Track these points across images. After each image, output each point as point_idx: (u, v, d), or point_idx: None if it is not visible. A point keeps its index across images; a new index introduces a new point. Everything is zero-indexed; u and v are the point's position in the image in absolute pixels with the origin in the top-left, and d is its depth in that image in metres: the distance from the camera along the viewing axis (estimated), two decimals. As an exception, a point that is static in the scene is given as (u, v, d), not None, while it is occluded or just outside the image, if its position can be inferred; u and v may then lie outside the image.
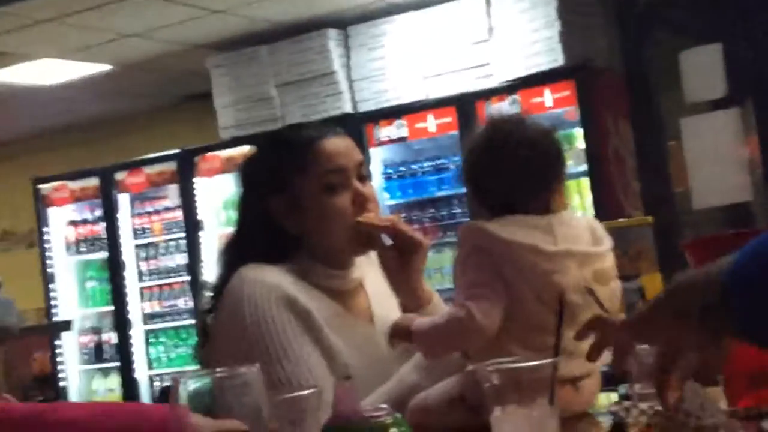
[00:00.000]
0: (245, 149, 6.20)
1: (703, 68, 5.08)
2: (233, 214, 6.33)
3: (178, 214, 6.71)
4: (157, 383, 6.92)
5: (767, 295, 1.14)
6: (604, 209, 5.23)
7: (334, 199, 2.04)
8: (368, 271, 2.20)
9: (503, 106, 5.47)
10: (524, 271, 1.81)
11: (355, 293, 2.15)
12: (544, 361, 1.48)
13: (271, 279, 2.01)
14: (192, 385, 1.11)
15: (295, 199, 2.06)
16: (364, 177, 2.10)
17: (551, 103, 5.40)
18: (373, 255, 2.17)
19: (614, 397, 1.96)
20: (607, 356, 1.91)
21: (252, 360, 1.87)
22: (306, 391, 1.44)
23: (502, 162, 1.88)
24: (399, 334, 1.95)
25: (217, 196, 6.53)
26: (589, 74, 5.39)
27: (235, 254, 2.11)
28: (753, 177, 5.28)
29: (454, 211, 5.92)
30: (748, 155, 5.29)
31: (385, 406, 1.02)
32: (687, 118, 5.22)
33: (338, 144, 2.07)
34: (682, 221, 5.49)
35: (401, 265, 2.04)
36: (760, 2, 5.15)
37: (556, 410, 1.47)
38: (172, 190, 6.80)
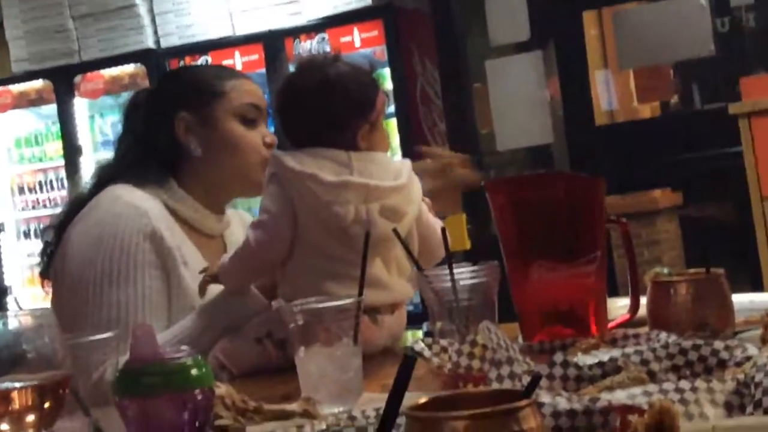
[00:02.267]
0: (39, 84, 5.95)
1: (507, 11, 5.19)
2: (27, 152, 6.18)
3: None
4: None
5: None
6: (411, 150, 5.30)
7: (248, 132, 2.10)
8: (233, 226, 2.23)
9: (312, 45, 5.44)
10: (306, 198, 1.85)
11: (216, 242, 2.18)
12: (348, 301, 1.50)
13: (142, 204, 2.02)
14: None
15: (207, 119, 2.09)
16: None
17: (360, 43, 5.40)
18: (235, 214, 2.23)
19: (418, 334, 2.01)
20: (409, 289, 1.96)
21: (97, 272, 1.91)
22: (105, 335, 1.40)
23: (303, 104, 1.93)
24: (210, 277, 1.97)
25: (9, 132, 6.24)
26: (397, 14, 5.41)
27: (109, 171, 2.14)
28: (554, 119, 5.47)
29: (262, 150, 5.86)
30: (550, 98, 5.46)
31: (185, 347, 1.00)
32: (492, 61, 5.34)
33: (256, 86, 2.21)
34: (486, 162, 5.64)
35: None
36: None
37: (360, 349, 1.49)
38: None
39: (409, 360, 0.73)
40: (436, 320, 1.62)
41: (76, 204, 2.11)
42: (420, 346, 1.44)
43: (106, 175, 2.14)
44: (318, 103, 1.91)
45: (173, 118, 2.11)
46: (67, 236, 2.06)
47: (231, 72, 2.23)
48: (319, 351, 1.48)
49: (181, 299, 2.00)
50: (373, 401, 1.36)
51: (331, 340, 1.48)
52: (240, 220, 2.30)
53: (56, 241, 2.09)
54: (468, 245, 4.47)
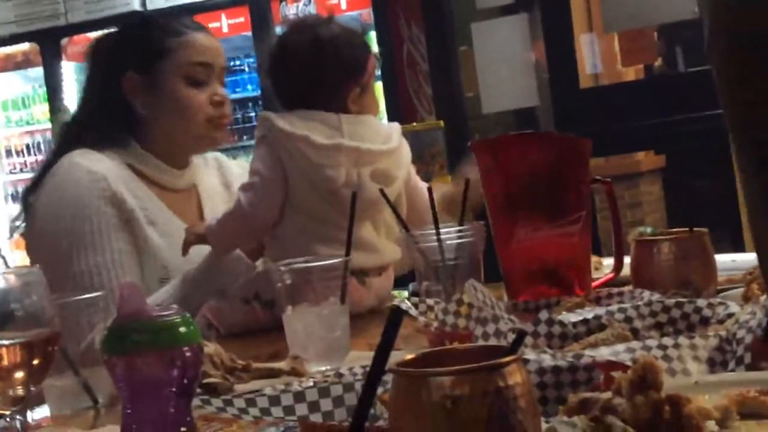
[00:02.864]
0: (26, 46, 5.90)
1: (492, -26, 5.17)
2: (14, 115, 6.15)
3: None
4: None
5: None
6: (397, 113, 5.29)
7: (193, 92, 2.04)
8: (205, 175, 2.20)
9: (299, 8, 5.41)
10: (297, 161, 1.85)
11: (186, 195, 2.16)
12: (335, 260, 1.50)
13: (100, 168, 2.00)
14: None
15: (152, 79, 2.06)
16: (223, 83, 2.12)
17: (346, 5, 5.38)
18: (210, 159, 2.20)
19: (405, 294, 2.02)
20: (397, 251, 1.96)
21: (63, 243, 1.91)
22: (93, 294, 1.41)
23: (294, 64, 1.92)
24: (194, 237, 1.94)
25: (-1, 93, 6.22)
26: (383, -23, 5.39)
27: (70, 135, 2.12)
28: (539, 82, 5.46)
29: (249, 114, 5.85)
30: (535, 61, 5.45)
31: (174, 306, 1.01)
32: (477, 23, 5.32)
33: (209, 41, 2.10)
34: (472, 125, 5.63)
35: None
36: None
37: (347, 308, 1.50)
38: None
39: (395, 316, 0.73)
40: (422, 280, 1.63)
41: (42, 171, 2.08)
42: (406, 305, 1.45)
43: (68, 138, 2.11)
44: (310, 64, 1.90)
45: (120, 77, 2.08)
46: (33, 206, 2.04)
47: (181, 27, 2.11)
48: (306, 310, 1.49)
49: (151, 259, 1.99)
50: (360, 359, 1.37)
51: (319, 300, 1.49)
52: (216, 165, 2.26)
53: (24, 210, 2.08)
54: (453, 207, 4.48)
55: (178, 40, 2.06)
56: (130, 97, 2.08)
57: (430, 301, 1.44)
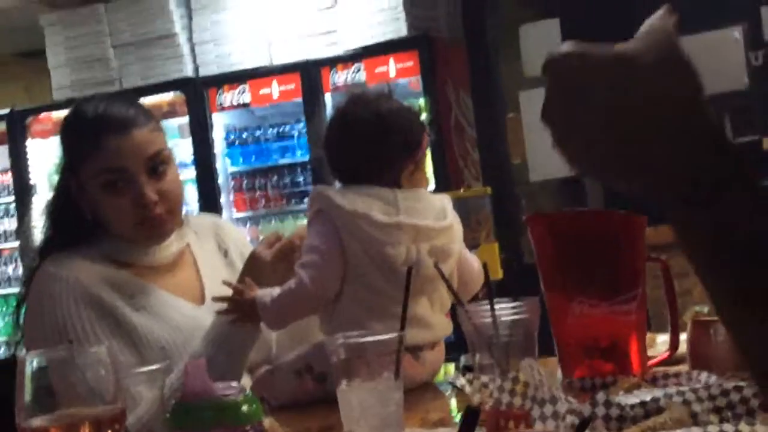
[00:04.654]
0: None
1: (541, 42, 5.21)
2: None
3: (8, 178, 6.46)
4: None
5: None
6: (445, 179, 5.32)
7: (112, 198, 1.96)
8: (197, 240, 2.13)
9: (348, 75, 5.49)
10: (358, 238, 1.85)
11: (176, 267, 2.08)
12: (391, 336, 1.51)
13: (72, 274, 1.95)
14: (36, 363, 1.08)
15: (78, 184, 2.00)
16: (163, 167, 1.98)
17: (395, 73, 5.44)
18: (204, 224, 2.15)
19: (451, 369, 2.01)
20: (450, 326, 1.96)
21: (56, 356, 1.84)
22: (152, 367, 1.42)
23: (354, 138, 1.92)
24: (240, 310, 1.91)
25: (51, 159, 6.32)
26: (432, 45, 5.46)
27: (45, 239, 2.06)
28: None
29: (297, 180, 5.90)
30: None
31: (235, 384, 1.02)
32: (526, 92, 5.35)
33: (121, 143, 1.95)
34: (518, 192, 5.64)
35: None
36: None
37: (401, 383, 1.50)
38: (2, 152, 6.53)
39: (471, 416, 0.74)
40: (475, 353, 1.63)
41: (25, 285, 2.05)
42: (461, 381, 1.45)
43: (45, 244, 2.07)
44: (371, 139, 1.90)
45: (63, 175, 2.04)
46: (22, 327, 2.01)
47: (95, 125, 1.97)
48: (360, 385, 1.49)
49: (146, 349, 1.93)
50: (414, 436, 1.37)
51: (373, 375, 1.49)
52: (213, 229, 2.18)
53: (15, 321, 2.06)
54: (500, 274, 4.48)
55: (89, 148, 1.96)
56: (76, 200, 2.02)
57: (485, 378, 1.44)
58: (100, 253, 2.01)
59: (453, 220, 1.94)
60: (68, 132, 2.04)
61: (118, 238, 2.01)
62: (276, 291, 1.89)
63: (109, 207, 1.97)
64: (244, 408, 0.98)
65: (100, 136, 1.95)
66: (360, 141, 1.91)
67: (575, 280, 1.59)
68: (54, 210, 2.07)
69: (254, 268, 1.96)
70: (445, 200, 2.00)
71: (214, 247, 2.16)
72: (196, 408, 0.96)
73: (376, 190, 1.89)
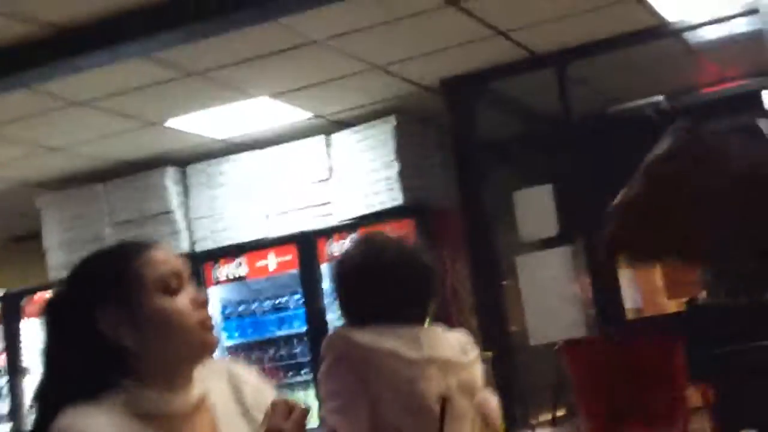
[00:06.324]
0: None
1: (535, 208, 5.28)
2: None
3: (2, 359, 6.38)
4: None
5: None
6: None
7: (174, 301, 1.95)
8: (214, 387, 2.10)
9: (344, 245, 5.52)
10: (386, 377, 1.83)
11: (196, 414, 2.01)
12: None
13: (90, 429, 1.85)
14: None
15: (129, 309, 1.94)
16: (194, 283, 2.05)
17: (390, 241, 5.49)
18: (218, 370, 2.12)
19: None
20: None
21: None
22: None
23: (381, 278, 1.92)
24: None
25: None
26: (428, 213, 5.53)
27: (52, 397, 1.93)
28: (585, 315, 5.46)
29: (294, 351, 5.85)
30: (580, 291, 5.48)
31: None
32: (521, 256, 5.39)
33: (166, 251, 2.03)
34: (519, 358, 5.60)
35: None
36: (589, 146, 5.43)
37: None
38: (-4, 334, 6.48)
39: None
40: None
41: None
42: None
43: (51, 401, 1.94)
44: (398, 278, 1.91)
45: (92, 317, 1.94)
46: None
47: (135, 248, 2.02)
48: None
49: None
50: None
51: None
52: (225, 372, 2.12)
53: None
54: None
55: (139, 261, 1.97)
56: (112, 334, 1.94)
57: None
58: (119, 406, 1.94)
59: (477, 354, 1.93)
60: (106, 262, 2.00)
61: (142, 387, 1.96)
62: None
63: (172, 311, 1.93)
64: None
65: (147, 250, 1.98)
66: (382, 281, 1.92)
67: (617, 407, 1.56)
68: (67, 359, 2.02)
69: None
70: (462, 336, 1.99)
71: (229, 395, 2.11)
72: None
73: (397, 329, 1.89)
